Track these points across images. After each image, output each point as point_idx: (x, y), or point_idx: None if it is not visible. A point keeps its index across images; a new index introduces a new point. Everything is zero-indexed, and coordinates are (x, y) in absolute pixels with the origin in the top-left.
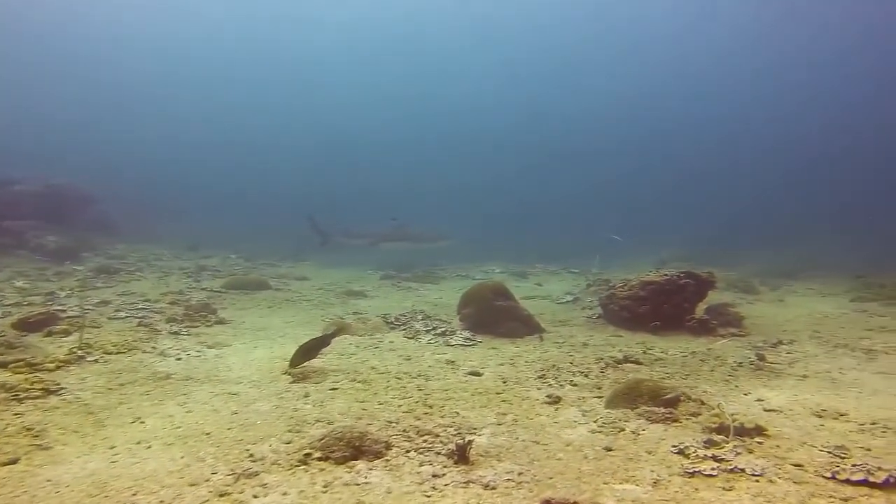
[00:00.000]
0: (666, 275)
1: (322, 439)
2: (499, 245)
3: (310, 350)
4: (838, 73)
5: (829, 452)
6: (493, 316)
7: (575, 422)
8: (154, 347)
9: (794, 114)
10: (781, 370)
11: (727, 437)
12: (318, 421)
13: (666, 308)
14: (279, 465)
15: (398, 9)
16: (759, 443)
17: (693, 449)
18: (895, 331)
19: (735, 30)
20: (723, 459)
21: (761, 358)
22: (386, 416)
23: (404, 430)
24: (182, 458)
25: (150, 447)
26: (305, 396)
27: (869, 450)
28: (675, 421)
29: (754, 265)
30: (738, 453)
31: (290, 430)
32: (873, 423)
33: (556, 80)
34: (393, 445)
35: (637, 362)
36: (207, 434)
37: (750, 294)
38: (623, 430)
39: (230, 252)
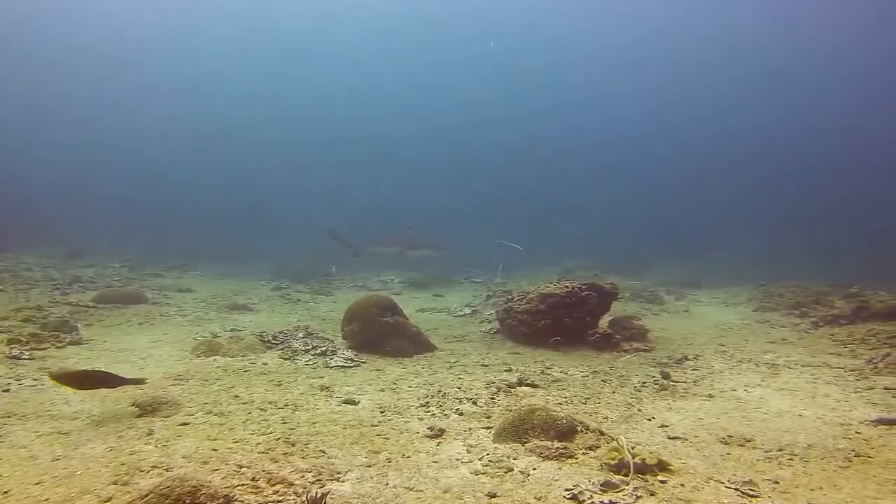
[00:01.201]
0: (567, 287)
1: (146, 496)
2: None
3: (91, 381)
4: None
5: (737, 490)
6: (379, 333)
7: (458, 460)
8: None
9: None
10: (687, 390)
11: (627, 476)
12: (154, 467)
13: (567, 322)
14: None
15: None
16: (661, 481)
17: (588, 493)
18: (795, 343)
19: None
20: None
21: (666, 376)
22: (238, 458)
23: (254, 479)
24: None
25: None
26: (149, 434)
27: (777, 483)
28: (571, 457)
29: (661, 274)
30: (639, 496)
31: (115, 482)
32: (780, 450)
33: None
34: (235, 499)
35: (533, 385)
36: (6, 493)
37: (655, 304)
38: (511, 469)
39: (115, 261)
